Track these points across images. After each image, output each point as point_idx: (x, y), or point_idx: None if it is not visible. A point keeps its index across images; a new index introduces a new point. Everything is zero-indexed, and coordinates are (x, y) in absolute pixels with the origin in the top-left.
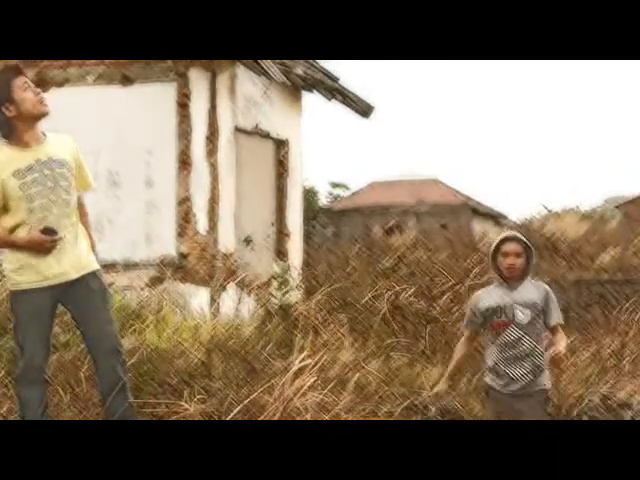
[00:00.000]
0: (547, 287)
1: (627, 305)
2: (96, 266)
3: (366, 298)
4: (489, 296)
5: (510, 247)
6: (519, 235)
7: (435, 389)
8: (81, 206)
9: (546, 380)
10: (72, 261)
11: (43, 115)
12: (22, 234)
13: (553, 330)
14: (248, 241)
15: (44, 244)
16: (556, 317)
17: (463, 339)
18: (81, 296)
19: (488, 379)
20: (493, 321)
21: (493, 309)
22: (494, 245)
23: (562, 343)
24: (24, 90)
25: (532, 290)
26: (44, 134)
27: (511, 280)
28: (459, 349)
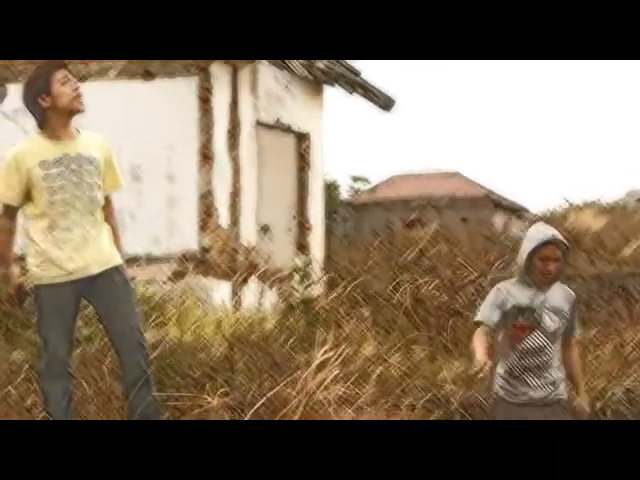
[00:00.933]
0: (574, 294)
1: None
2: (119, 261)
3: (388, 291)
4: (518, 293)
5: (550, 251)
6: (560, 237)
7: (476, 367)
8: (109, 205)
9: (564, 390)
10: (94, 256)
11: (77, 111)
12: (43, 226)
13: (568, 342)
14: (265, 230)
15: (10, 292)
16: (577, 328)
17: (479, 334)
18: (104, 290)
19: (499, 388)
20: (517, 322)
21: (521, 309)
22: (533, 246)
23: (586, 397)
24: (63, 84)
25: (561, 295)
26: (78, 130)
27: (543, 284)
28: (479, 342)
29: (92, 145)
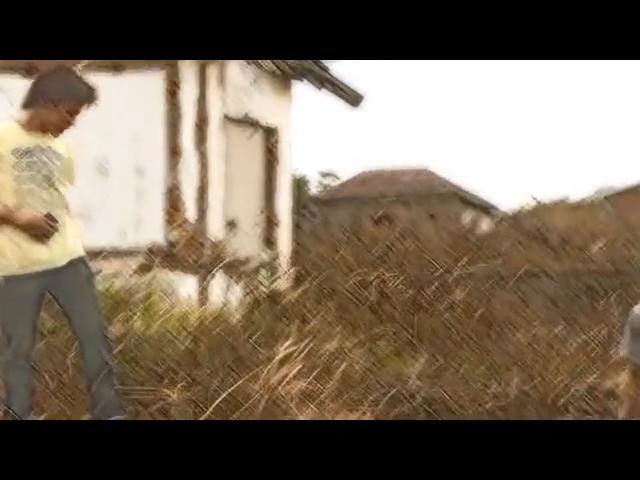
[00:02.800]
0: None
1: (615, 296)
2: (82, 253)
3: (354, 287)
4: None
5: None
6: None
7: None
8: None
9: None
10: (59, 249)
11: (37, 129)
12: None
13: None
14: (232, 225)
15: (43, 227)
16: None
17: (628, 376)
18: (68, 282)
19: None
20: None
21: None
22: None
23: None
24: (70, 113)
25: None
26: None
27: None
28: (626, 392)
29: (60, 142)
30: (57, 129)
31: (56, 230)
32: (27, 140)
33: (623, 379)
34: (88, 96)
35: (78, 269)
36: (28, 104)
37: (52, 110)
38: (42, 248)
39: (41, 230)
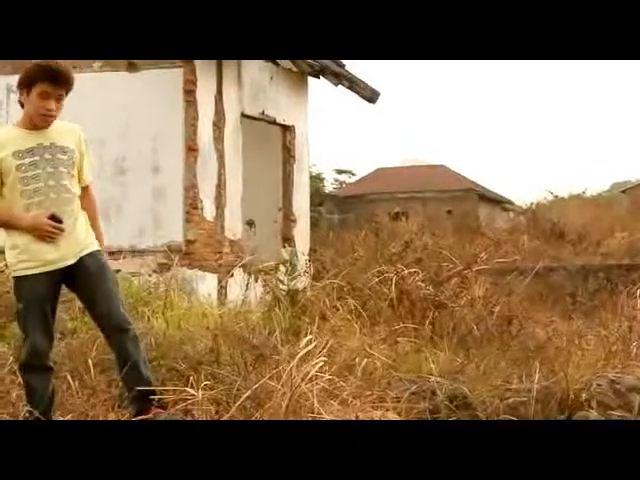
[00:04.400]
0: None
1: (634, 289)
2: (95, 247)
3: (373, 283)
4: None
5: None
6: None
7: None
8: (88, 195)
9: None
10: (70, 247)
11: (37, 127)
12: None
13: None
14: (250, 224)
15: (46, 229)
16: None
17: None
18: (81, 278)
19: None
20: None
21: None
22: None
23: None
24: (41, 97)
25: None
26: None
27: None
28: None
29: (66, 135)
30: (39, 118)
31: (61, 230)
32: (27, 140)
33: None
34: (51, 75)
35: (87, 264)
36: (21, 104)
37: (28, 100)
38: (51, 249)
39: (45, 231)
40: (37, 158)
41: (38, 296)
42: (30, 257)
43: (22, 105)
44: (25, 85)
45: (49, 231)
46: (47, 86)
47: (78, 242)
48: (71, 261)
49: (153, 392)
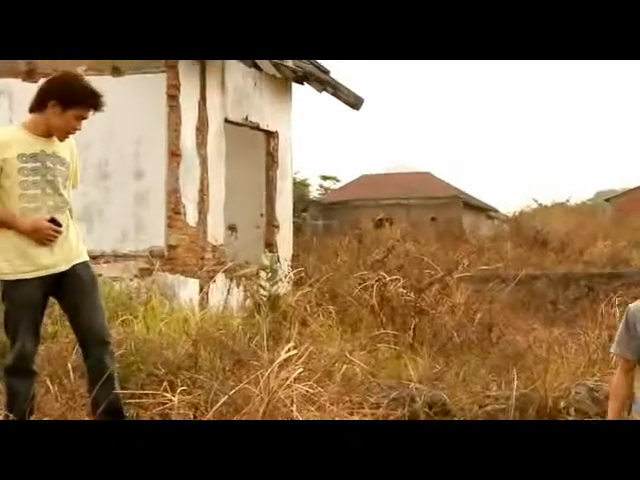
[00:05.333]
0: None
1: (615, 298)
2: (86, 257)
3: (355, 290)
4: None
5: None
6: None
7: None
8: None
9: None
10: (63, 253)
11: (42, 134)
12: None
13: None
14: (232, 228)
15: (46, 232)
16: None
17: (618, 372)
18: (71, 286)
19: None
20: None
21: None
22: None
23: None
24: (76, 118)
25: None
26: None
27: None
28: (618, 386)
29: (65, 146)
30: (63, 134)
31: (60, 234)
32: (32, 145)
33: (615, 379)
34: (95, 103)
35: (80, 273)
36: (35, 108)
37: (60, 115)
38: (46, 253)
39: (45, 234)
40: (39, 165)
41: (31, 301)
42: (25, 261)
43: (38, 105)
44: (65, 102)
45: (49, 234)
46: (87, 111)
47: (71, 249)
48: (64, 267)
49: (122, 409)
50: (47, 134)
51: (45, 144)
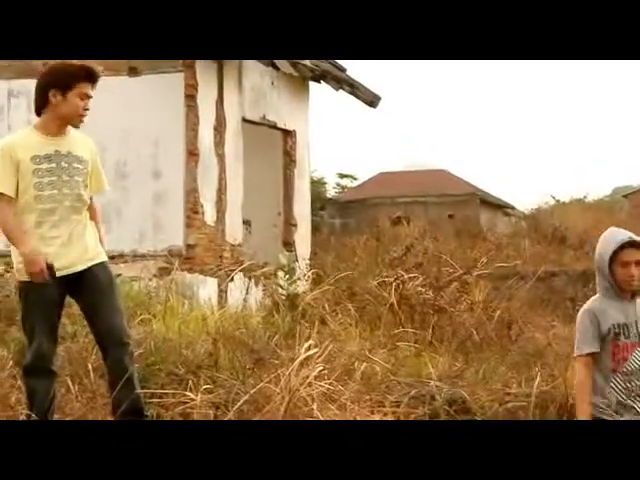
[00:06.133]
0: None
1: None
2: (104, 258)
3: (373, 288)
4: (611, 309)
5: (630, 255)
6: (637, 238)
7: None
8: (93, 206)
9: None
10: (79, 254)
11: (72, 125)
12: (29, 222)
13: None
14: (247, 223)
15: (36, 270)
16: None
17: (582, 368)
18: (89, 287)
19: (599, 413)
20: (620, 342)
21: (620, 327)
22: (610, 252)
23: None
24: (79, 97)
25: None
26: (69, 129)
27: (626, 293)
28: (584, 383)
29: (81, 145)
30: (77, 118)
31: (46, 280)
32: (46, 146)
33: (578, 377)
34: (90, 74)
35: (97, 274)
36: (40, 106)
37: (64, 101)
38: (61, 255)
39: (33, 271)
40: (54, 165)
41: (47, 301)
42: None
43: (41, 103)
44: (62, 86)
45: (38, 274)
46: (87, 86)
47: (87, 250)
48: (80, 267)
49: (143, 410)
50: (60, 132)
51: (59, 144)
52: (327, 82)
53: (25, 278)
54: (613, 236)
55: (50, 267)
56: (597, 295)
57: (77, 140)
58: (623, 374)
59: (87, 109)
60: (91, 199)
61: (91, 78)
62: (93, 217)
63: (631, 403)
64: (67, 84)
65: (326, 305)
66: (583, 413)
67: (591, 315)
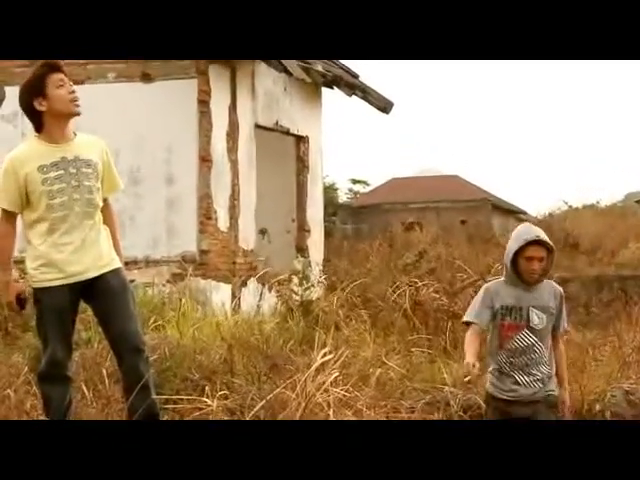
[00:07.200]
0: (562, 290)
1: None
2: (118, 264)
3: (387, 294)
4: (505, 293)
5: (535, 252)
6: (544, 236)
7: (467, 377)
8: (108, 207)
9: (554, 385)
10: (93, 259)
11: (73, 114)
12: (42, 230)
13: (556, 337)
14: (263, 232)
15: (10, 300)
16: (565, 324)
17: (470, 335)
18: (102, 294)
19: (489, 385)
20: (505, 322)
21: (508, 309)
22: (516, 247)
23: (566, 378)
24: (58, 87)
25: (548, 293)
26: (74, 133)
27: (530, 283)
28: (472, 344)
29: (89, 148)
30: (70, 105)
31: (17, 311)
32: (52, 154)
33: (467, 335)
34: (51, 63)
35: (112, 280)
36: (39, 124)
37: (51, 100)
38: (74, 261)
39: (6, 300)
40: (62, 172)
41: (60, 307)
42: (53, 269)
43: (36, 119)
44: (38, 92)
45: (10, 303)
46: (57, 75)
47: (101, 256)
48: (93, 274)
49: (159, 416)
50: (65, 138)
51: (65, 150)
52: (340, 88)
53: (38, 284)
54: (523, 232)
55: (21, 300)
56: (502, 278)
57: (84, 143)
58: (506, 350)
59: (73, 91)
60: (106, 200)
61: (54, 68)
62: (109, 219)
63: (512, 374)
64: (40, 87)
65: (340, 311)
66: (468, 356)
67: (487, 292)
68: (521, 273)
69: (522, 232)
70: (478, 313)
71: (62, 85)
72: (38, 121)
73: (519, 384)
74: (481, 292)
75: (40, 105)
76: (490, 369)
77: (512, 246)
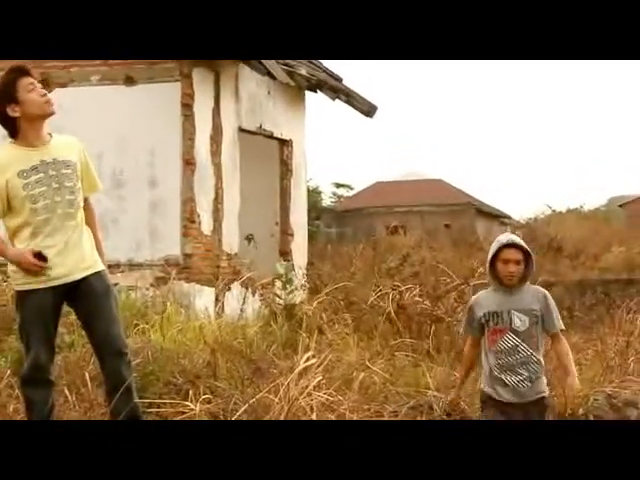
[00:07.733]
0: (546, 292)
1: (631, 304)
2: (101, 267)
3: (371, 298)
4: (486, 301)
5: (510, 254)
6: (519, 241)
7: (449, 397)
8: (89, 207)
9: (544, 387)
10: (76, 262)
11: (48, 115)
12: (26, 234)
13: (553, 337)
14: (249, 239)
15: (29, 266)
16: (556, 323)
17: (467, 346)
18: (85, 297)
19: (484, 386)
20: (490, 328)
21: (490, 315)
22: (493, 251)
23: (572, 369)
24: (29, 91)
25: (530, 296)
26: (50, 135)
27: (509, 287)
28: (467, 356)
29: (67, 148)
30: (44, 106)
31: (45, 268)
32: (30, 158)
33: (465, 349)
34: (18, 70)
35: (94, 283)
36: (13, 131)
37: (22, 105)
38: (57, 264)
39: (27, 266)
40: (42, 175)
41: (42, 310)
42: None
43: (10, 125)
44: (9, 98)
45: (32, 266)
46: (27, 79)
47: (84, 258)
48: (77, 276)
49: (141, 418)
50: (41, 141)
51: (42, 153)
52: (323, 92)
53: (21, 287)
54: (500, 238)
55: (38, 255)
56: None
57: (61, 144)
58: (494, 352)
59: (45, 94)
60: (86, 200)
61: (23, 72)
62: (90, 218)
63: (501, 376)
64: (11, 93)
65: (323, 315)
66: (460, 375)
67: (470, 305)
68: (500, 277)
69: (499, 238)
70: (467, 325)
71: (33, 89)
72: (12, 127)
73: (507, 385)
74: (467, 306)
75: (13, 111)
76: (484, 373)
77: (490, 251)
